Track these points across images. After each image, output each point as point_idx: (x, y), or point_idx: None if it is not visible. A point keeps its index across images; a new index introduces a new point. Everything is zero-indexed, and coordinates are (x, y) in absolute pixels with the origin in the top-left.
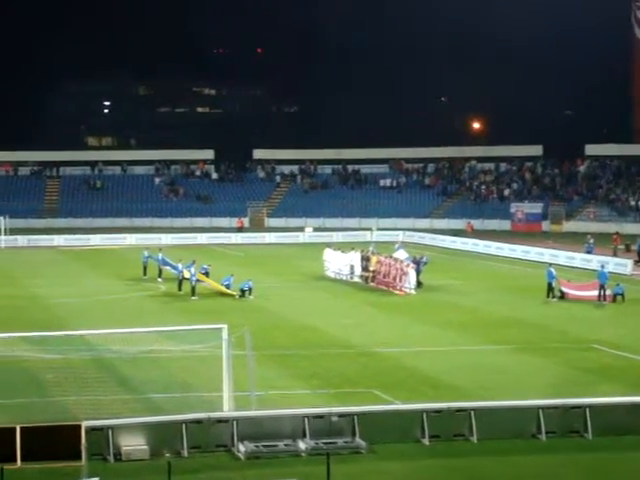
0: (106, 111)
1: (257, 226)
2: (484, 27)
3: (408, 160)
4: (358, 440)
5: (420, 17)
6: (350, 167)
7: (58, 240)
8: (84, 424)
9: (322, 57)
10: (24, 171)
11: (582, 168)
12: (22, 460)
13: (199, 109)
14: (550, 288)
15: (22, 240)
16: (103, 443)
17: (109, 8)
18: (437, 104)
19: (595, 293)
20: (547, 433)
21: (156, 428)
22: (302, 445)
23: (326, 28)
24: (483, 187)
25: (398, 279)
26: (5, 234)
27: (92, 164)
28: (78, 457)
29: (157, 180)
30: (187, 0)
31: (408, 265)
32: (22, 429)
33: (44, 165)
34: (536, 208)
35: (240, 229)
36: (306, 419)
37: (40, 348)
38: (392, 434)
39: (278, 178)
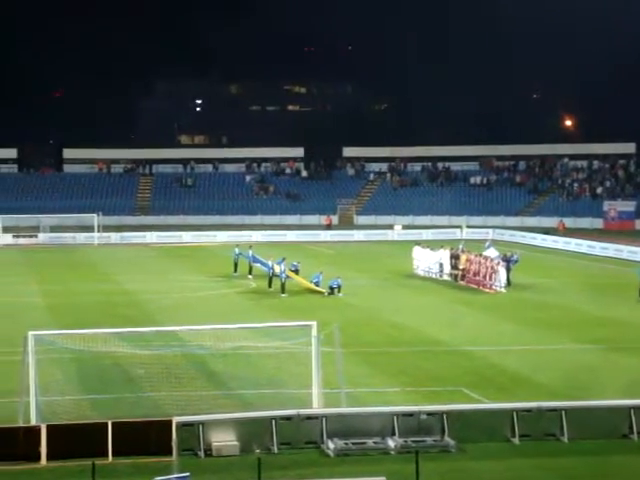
0: (198, 110)
1: (346, 224)
2: (578, 24)
3: (499, 157)
4: (447, 439)
5: (512, 15)
6: (440, 164)
7: (150, 237)
8: (175, 420)
9: (412, 55)
10: (117, 169)
11: None
12: (113, 455)
13: (290, 107)
14: None
15: (115, 237)
16: (194, 439)
17: (200, 8)
18: (529, 101)
19: None
20: (639, 433)
21: (246, 424)
22: (391, 443)
23: (416, 26)
24: (575, 185)
25: (488, 277)
26: (99, 231)
27: (184, 162)
28: (169, 453)
29: (248, 178)
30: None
31: (498, 263)
32: (114, 424)
33: (137, 163)
34: (629, 206)
35: (329, 226)
36: (395, 417)
37: (132, 344)
38: (482, 433)
39: (368, 176)
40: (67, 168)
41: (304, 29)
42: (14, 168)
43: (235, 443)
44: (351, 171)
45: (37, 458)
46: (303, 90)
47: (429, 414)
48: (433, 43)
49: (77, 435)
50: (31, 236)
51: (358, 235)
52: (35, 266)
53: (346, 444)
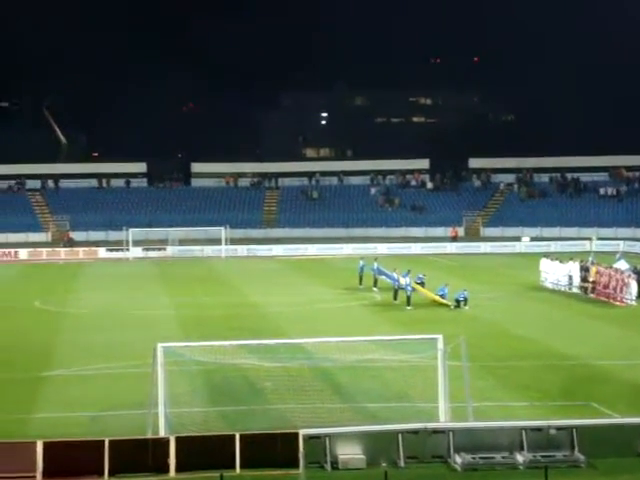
0: (323, 122)
1: (472, 235)
2: None
3: (629, 168)
4: (577, 454)
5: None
6: (569, 175)
7: (276, 250)
8: (302, 432)
9: (538, 65)
10: (244, 182)
11: None
12: (241, 467)
13: (415, 119)
14: None
15: (242, 250)
16: (320, 451)
17: (327, 22)
18: None
19: None
20: None
21: (373, 437)
22: (519, 458)
23: (542, 36)
24: None
25: (618, 290)
26: (226, 244)
27: (310, 175)
28: (295, 465)
29: (373, 190)
30: (403, 12)
31: (629, 276)
32: (241, 436)
33: (263, 176)
34: None
35: (455, 238)
36: (524, 431)
37: (259, 356)
38: (613, 448)
39: (494, 187)
40: (195, 182)
41: (430, 40)
42: (144, 182)
43: (361, 456)
44: (477, 182)
45: (166, 470)
46: (429, 101)
47: (558, 429)
48: (561, 53)
49: (205, 447)
50: (160, 249)
51: (485, 247)
52: (164, 279)
53: (474, 458)
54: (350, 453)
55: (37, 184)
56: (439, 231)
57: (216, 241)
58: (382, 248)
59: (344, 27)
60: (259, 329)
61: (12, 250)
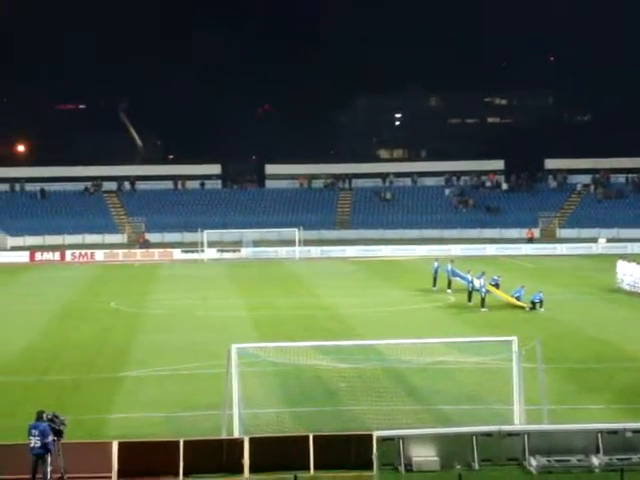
0: (397, 123)
1: (548, 237)
2: None
3: None
4: None
5: None
6: None
7: (350, 251)
8: (375, 434)
9: (614, 64)
10: (318, 184)
11: None
12: (315, 468)
13: (489, 119)
14: None
15: (315, 251)
16: (394, 453)
17: (397, 23)
18: None
19: None
20: None
21: (447, 440)
22: (595, 460)
23: (617, 35)
24: None
25: None
26: (299, 245)
27: (383, 176)
28: (369, 467)
29: (447, 191)
30: (477, 12)
31: None
32: (315, 437)
33: (337, 178)
34: None
35: (530, 240)
36: (599, 434)
37: (334, 357)
38: None
39: (571, 188)
40: (269, 184)
41: (505, 40)
42: (218, 184)
43: (435, 458)
44: (553, 183)
45: (240, 470)
46: (504, 101)
47: (634, 431)
48: (636, 51)
49: (279, 448)
50: (234, 250)
51: (561, 249)
52: (238, 280)
53: (549, 461)
54: (424, 455)
55: (113, 186)
56: (514, 232)
57: (290, 242)
58: (456, 249)
59: (418, 29)
60: (333, 330)
61: (89, 251)
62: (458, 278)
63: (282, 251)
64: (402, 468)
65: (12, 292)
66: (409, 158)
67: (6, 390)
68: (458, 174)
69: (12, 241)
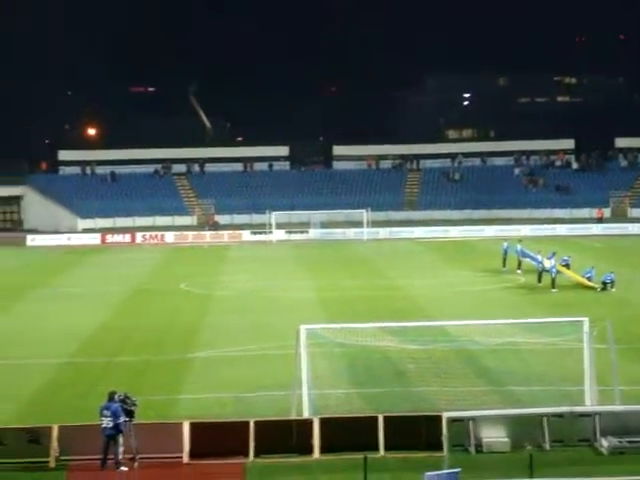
0: (466, 103)
1: (619, 216)
2: None
3: None
4: None
5: None
6: None
7: (418, 232)
8: (445, 415)
9: None
10: (385, 164)
11: None
12: (385, 449)
13: (559, 98)
14: None
15: (383, 232)
16: (464, 434)
17: (465, 2)
18: None
19: None
20: None
21: (517, 420)
22: None
23: None
24: None
25: None
26: (367, 226)
27: (452, 156)
28: (439, 448)
29: (516, 171)
30: None
31: None
32: (385, 418)
33: (405, 158)
34: None
35: (600, 220)
36: None
37: (402, 338)
38: None
39: None
40: (337, 165)
41: (575, 19)
42: (286, 165)
43: (506, 439)
44: (624, 162)
45: (310, 451)
46: (573, 80)
47: None
48: None
49: (349, 428)
50: (302, 232)
51: (632, 228)
52: (307, 261)
53: (620, 442)
54: (494, 436)
55: (183, 168)
56: (585, 212)
57: (357, 224)
58: (526, 230)
59: (487, 9)
60: (401, 311)
61: (159, 233)
62: (528, 259)
63: (350, 232)
64: (472, 449)
65: (84, 274)
66: (478, 138)
67: (79, 371)
68: (528, 154)
69: (83, 223)
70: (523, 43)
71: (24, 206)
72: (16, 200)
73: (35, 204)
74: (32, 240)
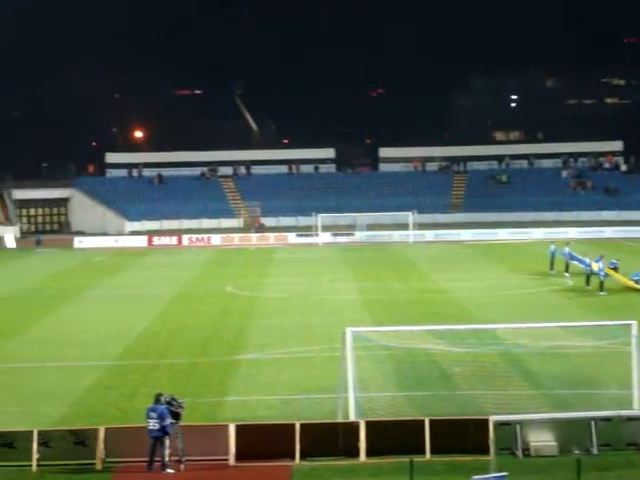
0: (513, 105)
1: None
2: None
3: None
4: None
5: None
6: None
7: (465, 235)
8: (492, 418)
9: None
10: (432, 166)
11: None
12: (431, 452)
13: (608, 100)
14: None
15: (429, 235)
16: (511, 438)
17: (513, 2)
18: None
19: None
20: None
21: (565, 424)
22: None
23: None
24: None
25: None
26: (413, 229)
27: (499, 158)
28: (486, 451)
29: (564, 173)
30: None
31: None
32: (431, 422)
33: (451, 160)
34: None
35: None
36: None
37: (448, 341)
38: None
39: None
40: (383, 167)
41: (623, 20)
42: (332, 168)
43: (553, 443)
44: None
45: (356, 454)
46: (622, 82)
47: None
48: None
49: (395, 432)
50: (348, 234)
51: None
52: (353, 264)
53: None
54: (542, 440)
55: (229, 171)
56: (634, 214)
57: (403, 226)
58: (574, 232)
59: (536, 10)
60: (447, 314)
61: (205, 236)
62: (576, 261)
63: (396, 235)
64: (519, 453)
65: (131, 276)
66: (525, 140)
67: (125, 373)
68: (575, 156)
69: (130, 226)
70: (571, 44)
71: (72, 208)
72: (64, 202)
73: (83, 206)
74: (80, 242)
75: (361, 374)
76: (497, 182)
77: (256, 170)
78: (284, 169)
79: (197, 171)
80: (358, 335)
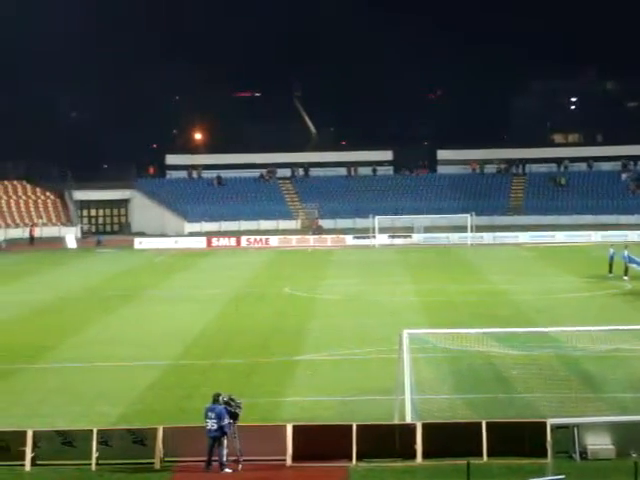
0: (572, 107)
1: None
2: None
3: None
4: None
5: None
6: None
7: (523, 237)
8: (549, 421)
9: None
10: (490, 169)
11: None
12: (488, 455)
13: None
14: None
15: (487, 237)
16: (569, 441)
17: (573, 5)
18: None
19: None
20: None
21: (623, 428)
22: None
23: None
24: None
25: None
26: (471, 231)
27: (558, 161)
28: (543, 454)
29: (623, 176)
30: None
31: None
32: (488, 424)
33: (510, 163)
34: None
35: None
36: None
37: (506, 344)
38: None
39: None
40: (441, 169)
41: None
42: (390, 170)
43: (611, 447)
44: None
45: (412, 455)
46: None
47: None
48: None
49: (451, 434)
50: (406, 236)
51: None
52: (410, 266)
53: None
54: (600, 443)
55: (287, 173)
56: None
57: (461, 228)
58: (633, 235)
59: (597, 12)
60: (505, 317)
61: (263, 237)
62: (635, 265)
63: (454, 237)
64: (577, 456)
65: (190, 277)
66: (584, 142)
67: (184, 373)
68: (635, 159)
69: (190, 227)
70: (631, 46)
71: (132, 209)
72: (124, 203)
73: (143, 207)
74: (140, 243)
75: (418, 376)
76: (556, 185)
77: (314, 172)
78: (342, 171)
79: (256, 173)
80: (415, 337)
